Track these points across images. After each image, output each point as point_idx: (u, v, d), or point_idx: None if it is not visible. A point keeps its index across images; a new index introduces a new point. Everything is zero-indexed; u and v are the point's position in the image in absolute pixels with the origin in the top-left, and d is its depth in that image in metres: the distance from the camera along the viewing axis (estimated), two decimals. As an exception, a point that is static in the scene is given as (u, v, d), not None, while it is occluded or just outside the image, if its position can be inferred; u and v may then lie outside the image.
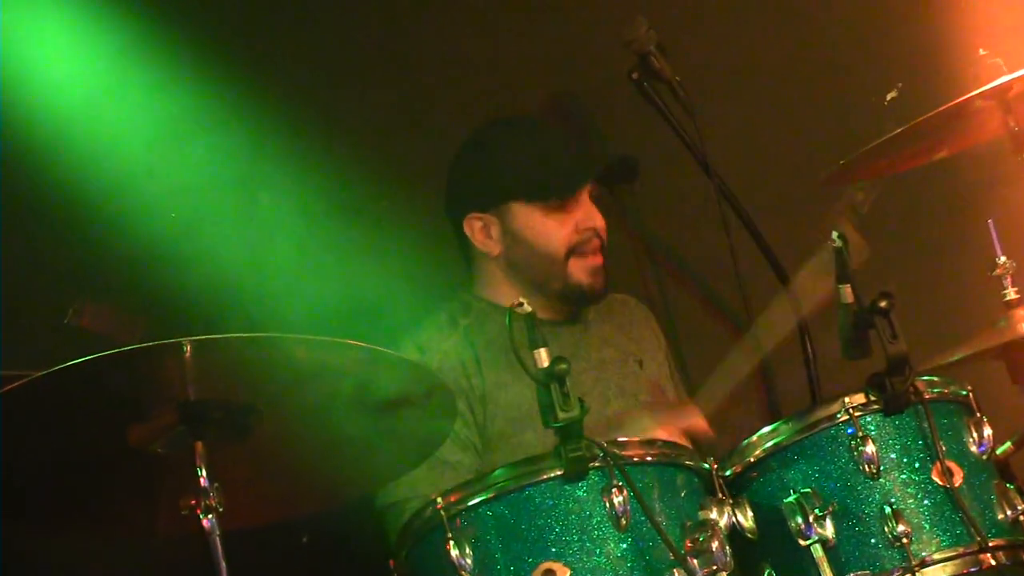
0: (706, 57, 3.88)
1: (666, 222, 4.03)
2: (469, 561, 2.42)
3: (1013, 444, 2.82)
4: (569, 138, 3.55)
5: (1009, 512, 2.61)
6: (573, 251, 3.34)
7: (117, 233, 3.30)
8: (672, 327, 3.78)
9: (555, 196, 3.34)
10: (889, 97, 3.19)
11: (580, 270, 3.35)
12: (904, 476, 2.58)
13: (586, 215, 3.36)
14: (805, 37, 4.07)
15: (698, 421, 3.22)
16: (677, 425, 3.14)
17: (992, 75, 2.95)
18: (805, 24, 4.07)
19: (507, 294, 3.35)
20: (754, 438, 2.66)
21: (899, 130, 3.07)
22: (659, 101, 3.62)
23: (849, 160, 3.26)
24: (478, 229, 3.39)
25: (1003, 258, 2.99)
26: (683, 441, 3.07)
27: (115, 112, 3.42)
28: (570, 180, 3.37)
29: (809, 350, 3.55)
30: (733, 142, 3.49)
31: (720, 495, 2.55)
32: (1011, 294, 2.99)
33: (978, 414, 2.68)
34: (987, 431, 2.65)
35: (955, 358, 3.03)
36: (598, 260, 3.37)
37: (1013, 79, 2.91)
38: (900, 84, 3.18)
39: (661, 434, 3.05)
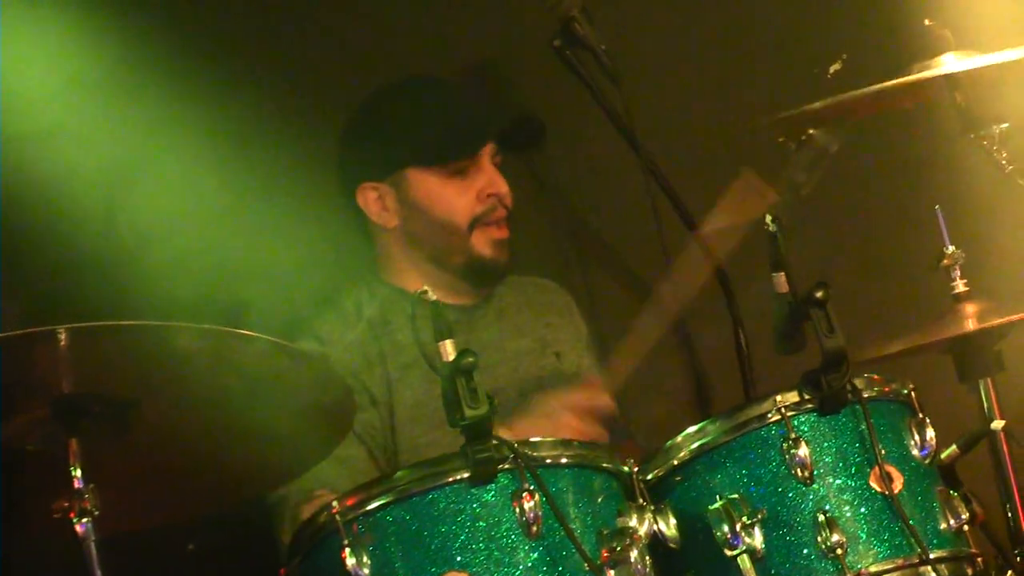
0: (635, 22, 3.85)
1: (590, 201, 4.01)
2: (367, 571, 2.39)
3: (958, 447, 2.80)
4: (468, 96, 3.53)
5: (952, 521, 2.60)
6: (477, 221, 3.32)
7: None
8: (595, 314, 3.76)
9: (454, 157, 3.32)
10: (832, 69, 3.18)
11: (484, 243, 3.33)
12: (840, 481, 2.56)
13: (489, 181, 3.34)
14: (742, 4, 4.06)
15: (604, 399, 3.20)
16: (583, 404, 3.12)
17: (938, 48, 2.95)
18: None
19: (409, 273, 3.35)
20: (679, 439, 2.62)
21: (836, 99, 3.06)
22: (582, 71, 3.58)
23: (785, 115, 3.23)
24: (372, 200, 3.36)
25: (951, 248, 2.98)
26: (594, 425, 3.08)
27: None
28: (469, 139, 3.35)
29: (743, 343, 3.54)
30: (662, 116, 3.46)
31: (641, 500, 2.53)
32: (960, 286, 2.98)
33: (920, 415, 2.67)
34: (930, 433, 2.65)
35: (894, 350, 3.02)
36: (503, 233, 3.36)
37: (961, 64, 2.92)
38: (844, 55, 3.17)
39: (569, 417, 3.05)
